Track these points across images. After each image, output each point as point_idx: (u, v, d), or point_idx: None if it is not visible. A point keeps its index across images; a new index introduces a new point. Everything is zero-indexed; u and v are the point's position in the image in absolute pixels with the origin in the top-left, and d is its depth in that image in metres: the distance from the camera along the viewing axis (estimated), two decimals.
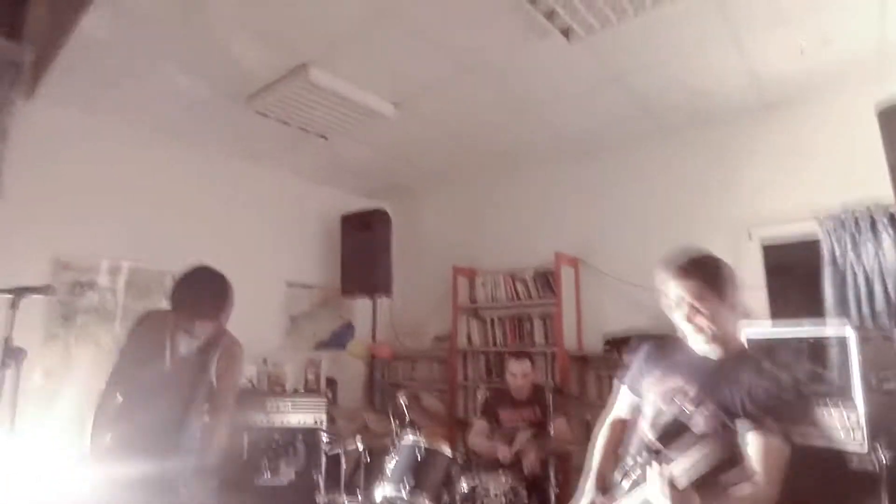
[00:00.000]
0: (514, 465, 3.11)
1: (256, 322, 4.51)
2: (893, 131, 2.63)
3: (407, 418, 3.04)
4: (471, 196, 5.17)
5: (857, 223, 3.14)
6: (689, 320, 1.67)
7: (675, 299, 1.71)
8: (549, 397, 3.46)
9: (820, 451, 2.53)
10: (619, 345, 3.64)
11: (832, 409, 2.53)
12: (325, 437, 3.42)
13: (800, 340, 2.75)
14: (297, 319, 4.86)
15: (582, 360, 4.04)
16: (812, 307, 3.25)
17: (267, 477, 3.85)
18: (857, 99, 3.21)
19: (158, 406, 2.09)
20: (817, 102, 3.42)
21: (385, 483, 2.78)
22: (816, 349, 2.98)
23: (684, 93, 3.43)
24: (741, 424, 1.52)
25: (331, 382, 4.79)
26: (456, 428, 4.47)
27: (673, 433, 1.63)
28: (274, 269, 4.75)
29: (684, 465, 1.49)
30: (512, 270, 4.52)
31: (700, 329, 1.66)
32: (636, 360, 1.94)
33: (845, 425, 2.47)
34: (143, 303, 3.87)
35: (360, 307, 5.09)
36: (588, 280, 4.26)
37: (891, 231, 3.02)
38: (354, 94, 3.37)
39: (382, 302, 4.94)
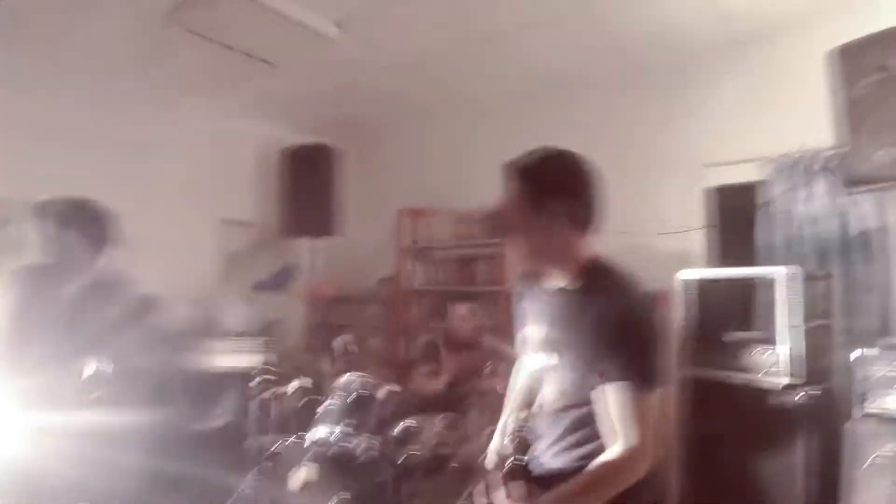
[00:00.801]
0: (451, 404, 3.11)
1: (189, 262, 4.31)
2: (838, 74, 2.63)
3: (347, 361, 2.97)
4: (419, 133, 4.99)
5: (793, 168, 3.18)
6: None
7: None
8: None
9: (739, 388, 2.65)
10: None
11: (757, 348, 2.62)
12: (257, 380, 3.31)
13: (731, 281, 2.82)
14: (233, 259, 4.65)
15: None
16: (750, 249, 3.32)
17: (200, 421, 3.76)
18: (822, 41, 3.17)
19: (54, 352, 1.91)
20: (782, 42, 3.34)
21: (320, 425, 2.74)
22: (747, 290, 3.08)
23: (652, 24, 3.31)
24: (593, 375, 1.27)
25: (271, 324, 4.68)
26: (400, 369, 4.46)
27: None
28: (207, 205, 4.48)
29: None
30: (461, 212, 4.43)
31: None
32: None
33: (767, 363, 2.56)
34: None
35: (301, 248, 4.91)
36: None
37: (825, 174, 3.07)
38: (290, 9, 3.08)
39: (325, 243, 4.78)
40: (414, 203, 4.75)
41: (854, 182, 2.70)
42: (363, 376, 2.79)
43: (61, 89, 3.70)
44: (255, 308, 4.07)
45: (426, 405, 3.36)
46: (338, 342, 3.01)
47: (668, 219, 3.63)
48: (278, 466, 2.87)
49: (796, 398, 2.47)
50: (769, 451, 2.54)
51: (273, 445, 3.15)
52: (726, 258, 3.54)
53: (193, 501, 3.05)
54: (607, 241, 3.79)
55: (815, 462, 2.45)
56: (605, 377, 1.24)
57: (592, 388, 1.28)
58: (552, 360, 1.40)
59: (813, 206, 3.10)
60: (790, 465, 2.45)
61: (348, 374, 2.82)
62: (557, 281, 1.43)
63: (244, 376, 3.79)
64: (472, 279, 4.32)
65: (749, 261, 3.34)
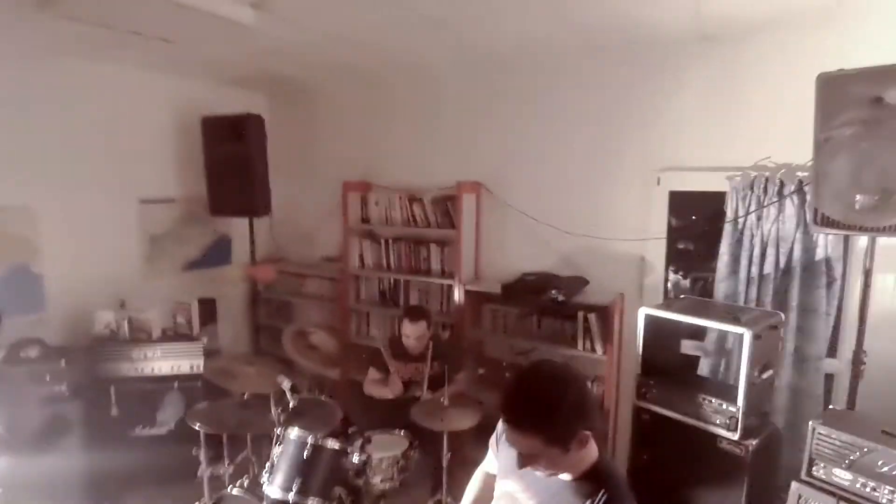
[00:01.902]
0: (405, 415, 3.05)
1: (108, 254, 3.89)
2: (829, 104, 2.40)
3: (291, 410, 2.79)
4: (367, 103, 4.44)
5: (765, 185, 3.02)
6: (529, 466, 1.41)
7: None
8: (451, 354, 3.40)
9: (693, 428, 2.69)
10: (515, 291, 3.51)
11: (713, 399, 2.62)
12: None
13: (695, 327, 2.76)
14: (158, 240, 4.21)
15: (479, 296, 3.91)
16: (709, 261, 3.25)
17: (142, 428, 3.58)
18: (798, 50, 2.89)
19: None
20: (756, 46, 3.04)
21: (272, 477, 2.63)
22: (706, 334, 3.05)
23: (620, 17, 2.90)
24: None
25: (208, 304, 4.38)
26: (348, 355, 4.35)
27: None
28: (121, 185, 3.95)
29: None
30: (409, 191, 4.10)
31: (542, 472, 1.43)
32: (499, 423, 1.61)
33: (723, 413, 2.58)
34: None
35: (237, 222, 4.50)
36: (490, 210, 3.96)
37: (795, 199, 2.94)
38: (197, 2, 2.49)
39: (262, 220, 4.39)
40: (360, 178, 4.35)
41: (826, 223, 2.59)
42: (312, 434, 2.64)
43: None
44: (188, 310, 3.74)
45: (378, 413, 3.32)
46: (281, 381, 2.81)
47: (630, 223, 3.47)
48: None
49: (744, 450, 2.53)
50: (710, 492, 2.65)
51: (221, 471, 3.05)
52: (683, 267, 3.49)
53: None
54: (569, 243, 3.67)
55: None
56: None
57: None
58: None
59: (779, 227, 3.01)
60: None
61: (296, 428, 2.66)
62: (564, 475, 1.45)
63: (186, 379, 3.60)
64: (424, 268, 4.11)
65: (707, 271, 3.30)
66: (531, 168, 3.79)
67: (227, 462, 3.02)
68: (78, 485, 3.17)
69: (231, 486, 2.70)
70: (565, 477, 1.42)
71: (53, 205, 3.58)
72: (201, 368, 3.60)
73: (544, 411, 1.32)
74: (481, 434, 4.03)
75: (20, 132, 3.40)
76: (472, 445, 4.02)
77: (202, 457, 2.97)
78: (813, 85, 2.37)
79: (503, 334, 3.82)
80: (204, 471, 2.99)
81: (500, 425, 1.62)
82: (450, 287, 3.94)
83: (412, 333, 3.28)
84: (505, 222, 3.91)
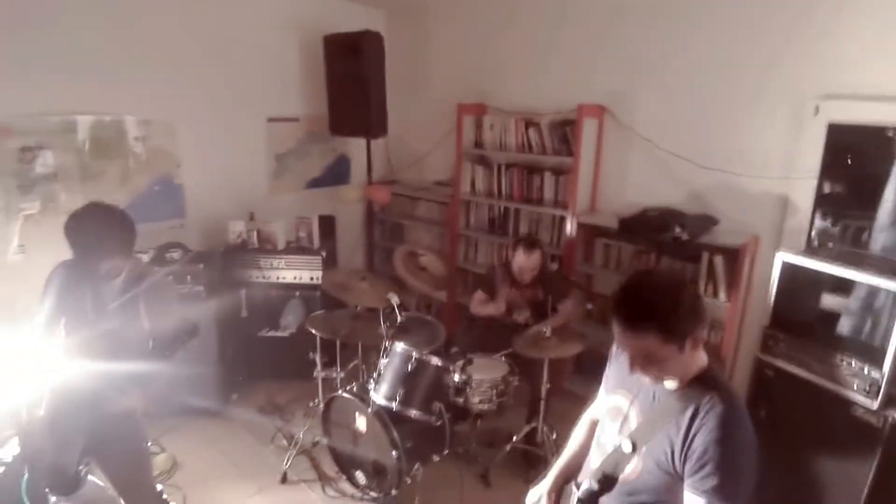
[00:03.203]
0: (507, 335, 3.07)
1: (239, 169, 4.18)
2: None
3: (398, 325, 2.90)
4: (485, 20, 4.22)
5: None
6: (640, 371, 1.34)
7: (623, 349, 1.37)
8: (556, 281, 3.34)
9: (824, 391, 2.43)
10: (633, 226, 3.30)
11: (853, 360, 2.34)
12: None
13: (840, 279, 2.43)
14: (283, 158, 4.43)
15: (593, 229, 3.74)
16: (867, 208, 2.82)
17: (267, 330, 3.94)
18: None
19: (98, 356, 1.94)
20: None
21: (378, 386, 2.79)
22: (853, 289, 2.68)
23: None
24: (679, 479, 1.30)
25: (328, 221, 4.60)
26: (456, 279, 4.41)
27: (610, 467, 1.43)
28: (250, 105, 4.15)
29: None
30: (526, 114, 3.92)
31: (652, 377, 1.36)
32: (612, 349, 1.59)
33: (863, 377, 2.30)
34: (107, 161, 3.49)
35: (355, 140, 4.60)
36: (614, 137, 3.69)
37: None
38: None
39: (378, 141, 4.45)
40: (475, 99, 4.22)
41: None
42: (416, 350, 2.74)
43: None
44: (309, 225, 3.95)
45: (480, 336, 3.37)
46: (391, 297, 2.92)
47: (774, 157, 3.08)
48: (334, 408, 3.00)
49: (883, 421, 2.25)
50: (833, 461, 2.42)
51: (333, 374, 3.29)
52: (834, 212, 3.04)
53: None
54: (700, 178, 3.36)
55: (884, 489, 2.31)
56: (695, 488, 1.26)
57: (666, 487, 1.33)
58: (629, 444, 1.40)
59: None
60: (854, 484, 2.33)
61: (402, 343, 2.77)
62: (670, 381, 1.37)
63: (307, 289, 3.88)
64: (537, 197, 3.97)
65: (863, 219, 2.87)
66: (661, 91, 3.44)
67: (338, 367, 3.23)
68: (211, 376, 3.58)
69: (342, 389, 2.90)
70: (671, 385, 1.36)
71: (191, 121, 3.85)
72: (320, 279, 3.84)
73: (661, 304, 1.26)
74: (581, 367, 4.01)
75: (163, 50, 3.64)
76: (571, 377, 4.02)
77: (317, 360, 3.21)
78: None
79: (615, 271, 3.65)
80: (319, 373, 3.23)
81: (612, 349, 1.58)
82: (562, 218, 3.80)
83: (527, 264, 3.23)
84: (628, 152, 3.64)
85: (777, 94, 3.03)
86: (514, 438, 3.16)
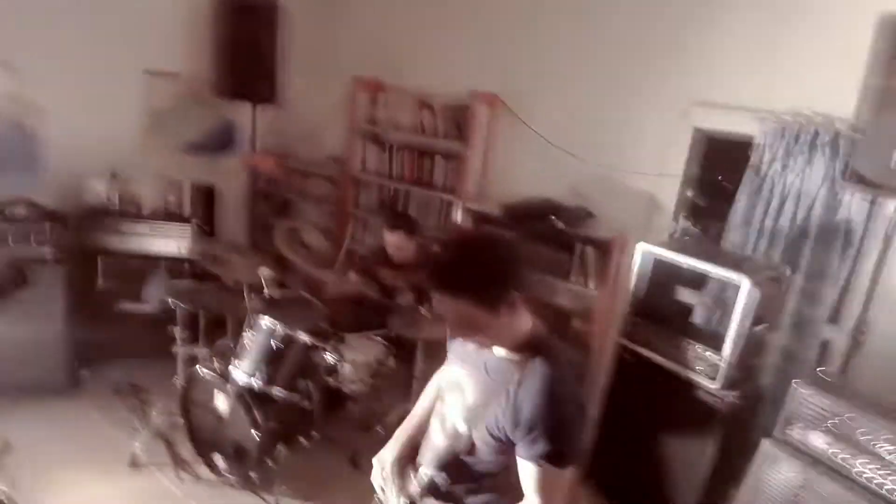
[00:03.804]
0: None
1: (106, 121, 3.77)
2: (880, 48, 2.15)
3: (266, 300, 2.75)
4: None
5: (798, 133, 2.77)
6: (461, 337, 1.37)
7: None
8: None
9: (673, 374, 2.61)
10: (515, 214, 3.36)
11: (697, 344, 2.53)
12: None
13: (693, 272, 2.61)
14: (159, 115, 4.06)
15: (479, 215, 3.77)
16: (723, 211, 3.06)
17: (127, 303, 3.60)
18: None
19: None
20: None
21: (240, 362, 2.63)
22: (705, 283, 2.90)
23: None
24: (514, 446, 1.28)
25: (206, 190, 4.30)
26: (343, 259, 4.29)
27: (448, 452, 1.39)
28: (124, 52, 3.75)
29: None
30: (421, 95, 3.87)
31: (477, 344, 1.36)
32: None
33: (705, 360, 2.49)
34: None
35: (244, 110, 4.32)
36: (505, 127, 3.74)
37: (827, 151, 2.70)
38: None
39: (271, 107, 4.21)
40: (372, 75, 4.11)
41: (857, 179, 2.39)
42: (283, 324, 2.61)
43: None
44: (179, 189, 3.64)
45: (360, 318, 3.29)
46: (262, 271, 2.76)
47: (647, 157, 3.26)
48: (193, 387, 2.80)
49: (722, 402, 2.45)
50: (681, 440, 2.60)
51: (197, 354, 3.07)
52: (695, 214, 3.28)
53: None
54: (580, 170, 3.45)
55: (723, 465, 2.53)
56: (526, 455, 1.25)
57: (503, 451, 1.31)
58: (465, 426, 1.36)
59: (803, 180, 2.78)
60: (697, 460, 2.52)
61: (268, 317, 2.62)
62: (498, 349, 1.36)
63: (173, 262, 3.58)
64: (427, 180, 3.94)
65: (720, 221, 3.11)
66: (553, 86, 3.53)
67: (200, 342, 3.02)
68: (56, 350, 3.22)
69: (200, 365, 2.71)
70: (500, 352, 1.34)
71: (53, 62, 3.42)
72: (189, 251, 3.56)
73: (472, 269, 1.23)
74: None
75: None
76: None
77: (177, 334, 2.98)
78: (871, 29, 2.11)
79: None
80: (178, 348, 3.00)
81: None
82: (450, 203, 3.80)
83: (390, 242, 3.18)
84: (518, 142, 3.70)
85: (655, 96, 3.19)
86: (386, 419, 3.11)
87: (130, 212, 3.55)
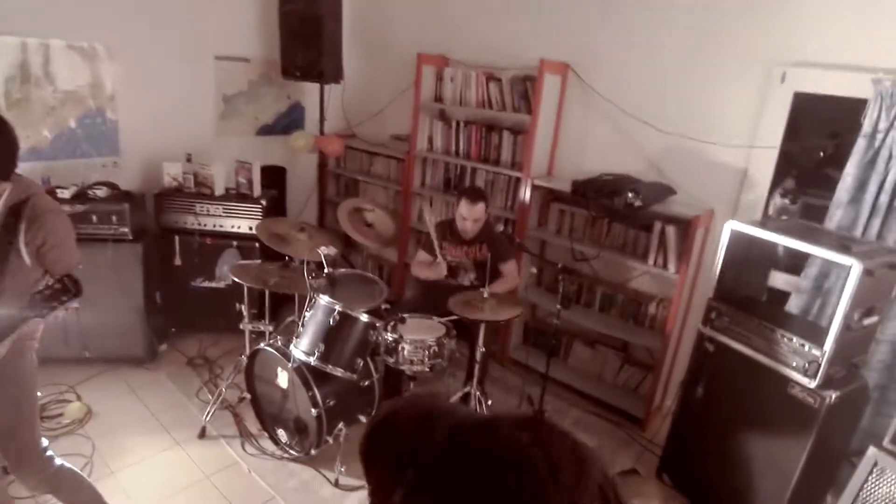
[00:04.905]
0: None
1: (182, 108, 3.92)
2: None
3: (329, 277, 2.72)
4: None
5: None
6: None
7: None
8: (501, 241, 3.20)
9: (763, 367, 2.33)
10: (587, 190, 3.14)
11: (794, 337, 2.23)
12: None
13: (792, 257, 2.31)
14: (232, 100, 4.15)
15: (548, 192, 3.58)
16: (828, 186, 2.70)
17: (201, 280, 3.73)
18: None
19: None
20: None
21: (299, 340, 2.62)
22: (803, 268, 2.56)
23: None
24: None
25: (278, 171, 4.38)
26: (407, 238, 4.24)
27: None
28: (196, 40, 3.84)
29: None
30: (488, 68, 3.70)
31: None
32: None
33: (803, 355, 2.20)
34: (32, 87, 3.22)
35: (310, 88, 4.34)
36: (575, 97, 3.51)
37: None
38: None
39: (333, 87, 4.20)
40: (437, 51, 3.98)
41: None
42: (342, 303, 2.57)
43: None
44: (249, 171, 3.69)
45: (426, 299, 3.23)
46: (324, 250, 2.73)
47: (737, 127, 2.93)
48: (258, 363, 2.84)
49: (819, 401, 2.16)
50: (769, 441, 2.33)
51: (263, 331, 3.11)
52: (794, 188, 2.91)
53: None
54: (660, 144, 3.20)
55: (816, 471, 2.24)
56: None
57: None
58: None
59: None
60: (787, 465, 2.25)
61: (327, 296, 2.59)
62: None
63: (245, 239, 3.65)
64: (494, 157, 3.78)
65: (823, 197, 2.75)
66: (626, 52, 3.25)
67: (267, 319, 3.05)
68: (137, 325, 3.38)
69: (264, 342, 2.73)
70: None
71: (130, 52, 3.55)
72: (259, 230, 3.61)
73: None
74: (528, 338, 3.90)
75: None
76: (518, 346, 3.90)
77: (244, 311, 3.02)
78: None
79: (568, 237, 3.51)
80: (245, 325, 3.05)
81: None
82: (518, 180, 3.63)
83: (469, 215, 3.08)
84: (589, 113, 3.46)
85: (743, 58, 2.87)
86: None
87: (204, 193, 3.64)
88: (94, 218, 3.21)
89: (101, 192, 3.29)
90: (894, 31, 2.44)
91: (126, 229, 3.26)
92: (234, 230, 3.67)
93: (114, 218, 3.25)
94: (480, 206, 3.09)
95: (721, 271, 2.51)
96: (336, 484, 2.65)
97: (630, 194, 2.91)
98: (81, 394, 3.12)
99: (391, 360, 2.71)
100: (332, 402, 2.61)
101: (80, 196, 3.24)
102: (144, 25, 3.58)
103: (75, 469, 2.09)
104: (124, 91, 3.60)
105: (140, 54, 3.60)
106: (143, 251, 3.34)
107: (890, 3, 2.44)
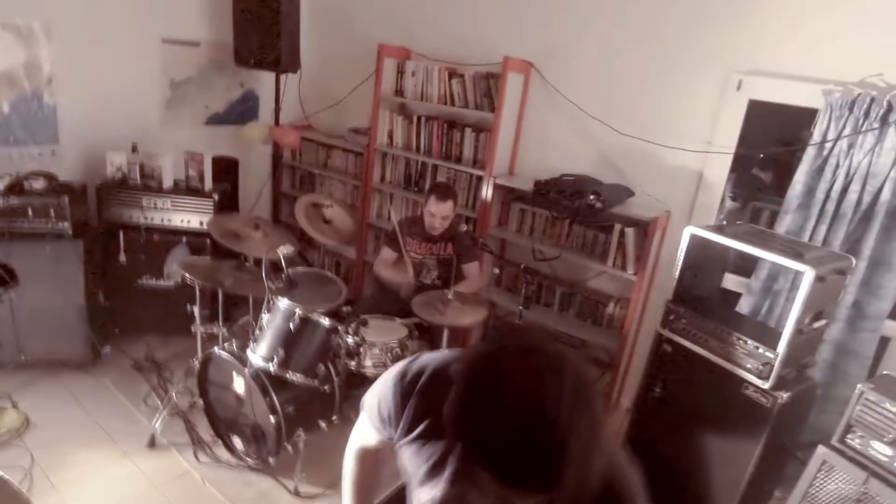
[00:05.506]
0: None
1: (126, 93, 3.68)
2: None
3: (287, 282, 2.63)
4: None
5: (868, 106, 2.48)
6: None
7: None
8: (465, 241, 3.19)
9: (719, 369, 2.41)
10: (548, 191, 3.15)
11: (749, 340, 2.31)
12: None
13: (743, 260, 2.38)
14: (181, 87, 3.94)
15: (509, 192, 3.57)
16: (777, 192, 2.80)
17: (148, 278, 3.54)
18: None
19: None
20: None
21: (256, 345, 2.52)
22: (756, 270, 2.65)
23: None
24: None
25: (230, 163, 4.19)
26: (366, 235, 4.16)
27: None
28: (142, 20, 3.62)
29: None
30: (451, 63, 3.65)
31: None
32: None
33: (757, 357, 2.28)
34: None
35: (265, 76, 4.17)
36: (538, 96, 3.50)
37: None
38: None
39: (290, 76, 4.05)
40: (399, 42, 3.89)
41: None
42: (302, 306, 2.49)
43: None
44: (200, 162, 3.52)
45: (389, 299, 3.18)
46: (282, 249, 2.63)
47: (694, 131, 3.00)
48: (211, 367, 2.73)
49: (772, 401, 2.25)
50: (721, 439, 2.42)
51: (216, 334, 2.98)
52: (745, 193, 3.02)
53: None
54: (619, 144, 3.23)
55: (767, 468, 2.34)
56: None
57: None
58: None
59: (872, 160, 2.51)
60: (739, 462, 2.33)
61: (286, 299, 2.50)
62: None
63: (196, 236, 3.49)
64: (456, 154, 3.74)
65: (772, 203, 2.86)
66: (588, 53, 3.27)
67: (220, 322, 2.93)
68: (78, 326, 3.18)
69: (218, 347, 2.61)
70: None
71: (70, 30, 3.31)
72: (210, 226, 3.46)
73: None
74: (489, 336, 3.90)
75: None
76: (472, 342, 3.90)
77: (196, 313, 2.89)
78: None
79: (529, 237, 3.52)
80: (197, 327, 2.92)
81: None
82: (479, 179, 3.60)
83: (438, 212, 3.06)
84: (551, 113, 3.46)
85: (702, 64, 2.92)
86: None
87: (151, 185, 3.45)
88: (31, 212, 2.99)
89: (38, 184, 3.05)
90: (846, 44, 2.53)
91: (66, 224, 3.06)
92: (184, 225, 3.50)
93: (52, 212, 3.03)
94: (450, 204, 3.08)
95: (679, 275, 2.57)
96: (295, 492, 2.58)
97: (592, 196, 2.94)
98: (18, 401, 2.92)
99: (353, 364, 2.65)
100: (290, 409, 2.53)
101: (15, 188, 3.00)
102: (85, 3, 3.34)
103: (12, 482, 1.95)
104: (63, 73, 3.36)
105: (81, 34, 3.36)
106: (84, 248, 3.14)
107: (843, 18, 2.53)
